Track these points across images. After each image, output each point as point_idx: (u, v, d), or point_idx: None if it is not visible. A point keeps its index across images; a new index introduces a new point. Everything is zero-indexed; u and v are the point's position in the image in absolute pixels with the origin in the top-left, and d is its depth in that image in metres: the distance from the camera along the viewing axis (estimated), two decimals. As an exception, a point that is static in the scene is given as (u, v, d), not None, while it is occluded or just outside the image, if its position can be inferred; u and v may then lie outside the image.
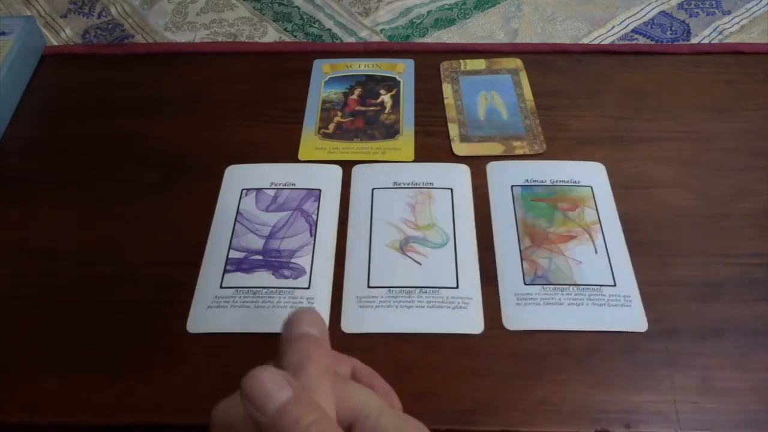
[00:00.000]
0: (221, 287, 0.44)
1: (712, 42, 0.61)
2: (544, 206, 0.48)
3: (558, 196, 0.49)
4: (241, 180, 0.50)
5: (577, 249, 0.45)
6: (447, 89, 0.57)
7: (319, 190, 0.49)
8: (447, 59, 0.59)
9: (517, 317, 0.42)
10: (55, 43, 0.63)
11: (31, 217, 0.49)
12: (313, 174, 0.51)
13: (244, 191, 0.49)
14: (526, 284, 0.44)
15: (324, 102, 0.56)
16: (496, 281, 0.44)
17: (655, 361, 0.40)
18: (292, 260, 0.45)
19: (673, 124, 0.54)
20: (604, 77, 0.58)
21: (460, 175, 0.50)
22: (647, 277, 0.44)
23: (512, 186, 0.49)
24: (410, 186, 0.50)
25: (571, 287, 0.44)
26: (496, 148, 0.52)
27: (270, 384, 0.24)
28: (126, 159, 0.52)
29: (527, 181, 0.50)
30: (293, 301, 0.43)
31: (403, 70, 0.59)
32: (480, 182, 0.50)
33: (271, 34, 0.63)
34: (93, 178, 0.51)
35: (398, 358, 0.41)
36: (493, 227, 0.47)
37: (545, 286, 0.44)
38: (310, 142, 0.53)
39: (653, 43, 0.61)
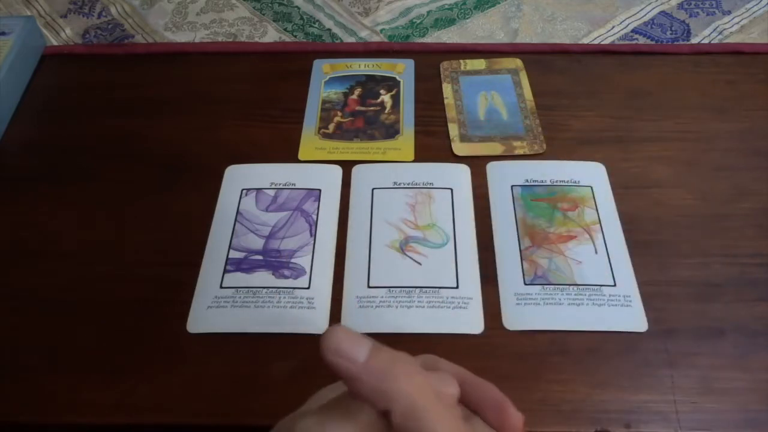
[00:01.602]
0: (221, 287, 0.44)
1: (712, 42, 0.61)
2: (544, 206, 0.48)
3: (558, 196, 0.49)
4: (241, 180, 0.50)
5: (577, 249, 0.45)
6: (447, 89, 0.57)
7: (319, 190, 0.49)
8: (447, 59, 0.59)
9: (517, 317, 0.42)
10: (55, 43, 0.63)
11: (31, 217, 0.49)
12: (313, 174, 0.51)
13: (244, 191, 0.49)
14: (526, 284, 0.44)
15: (324, 102, 0.56)
16: (496, 281, 0.44)
17: (655, 361, 0.40)
18: (292, 260, 0.45)
19: (673, 124, 0.54)
20: (604, 77, 0.58)
21: (460, 175, 0.50)
22: (647, 277, 0.44)
23: (512, 186, 0.49)
24: (410, 186, 0.50)
25: (571, 287, 0.44)
26: (496, 148, 0.52)
27: (352, 333, 0.24)
28: (126, 159, 0.52)
29: (527, 181, 0.50)
30: (293, 301, 0.43)
31: (403, 70, 0.58)
32: (480, 182, 0.50)
33: (271, 34, 0.63)
34: (93, 178, 0.51)
35: (398, 358, 0.41)
36: (493, 227, 0.47)
37: (545, 286, 0.44)
38: (310, 142, 0.53)
39: (653, 43, 0.61)
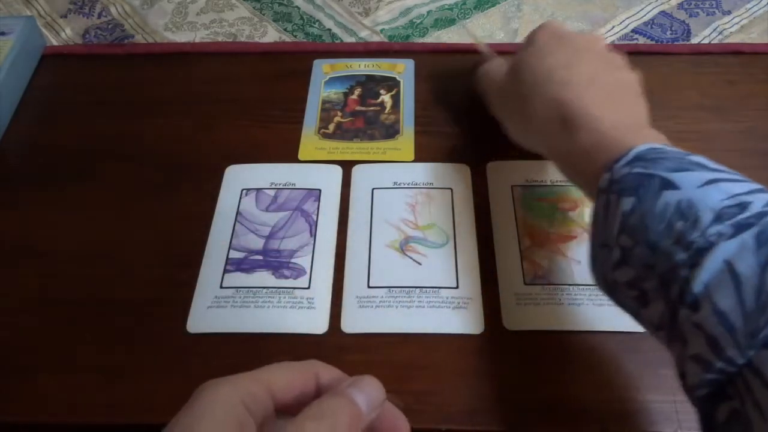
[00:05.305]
0: (221, 287, 0.44)
1: (712, 42, 0.61)
2: (545, 206, 0.48)
3: (558, 196, 0.49)
4: (241, 180, 0.50)
5: (577, 249, 0.45)
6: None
7: (319, 190, 0.49)
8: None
9: (517, 317, 0.42)
10: (55, 43, 0.63)
11: (31, 217, 0.49)
12: (313, 174, 0.51)
13: (244, 191, 0.49)
14: (526, 284, 0.44)
15: (324, 102, 0.56)
16: (496, 281, 0.44)
17: (655, 361, 0.40)
18: (292, 260, 0.45)
19: (673, 124, 0.53)
20: (604, 77, 0.57)
21: (460, 175, 0.50)
22: (647, 277, 0.44)
23: (512, 186, 0.49)
24: (410, 186, 0.50)
25: (571, 287, 0.44)
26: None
27: None
28: (126, 159, 0.52)
29: (527, 181, 0.49)
30: (293, 301, 0.43)
31: (403, 70, 0.58)
32: (480, 182, 0.50)
33: (271, 34, 0.63)
34: (93, 178, 0.51)
35: (398, 358, 0.41)
36: (493, 227, 0.47)
37: (545, 286, 0.44)
38: (310, 142, 0.53)
39: (653, 43, 0.61)
